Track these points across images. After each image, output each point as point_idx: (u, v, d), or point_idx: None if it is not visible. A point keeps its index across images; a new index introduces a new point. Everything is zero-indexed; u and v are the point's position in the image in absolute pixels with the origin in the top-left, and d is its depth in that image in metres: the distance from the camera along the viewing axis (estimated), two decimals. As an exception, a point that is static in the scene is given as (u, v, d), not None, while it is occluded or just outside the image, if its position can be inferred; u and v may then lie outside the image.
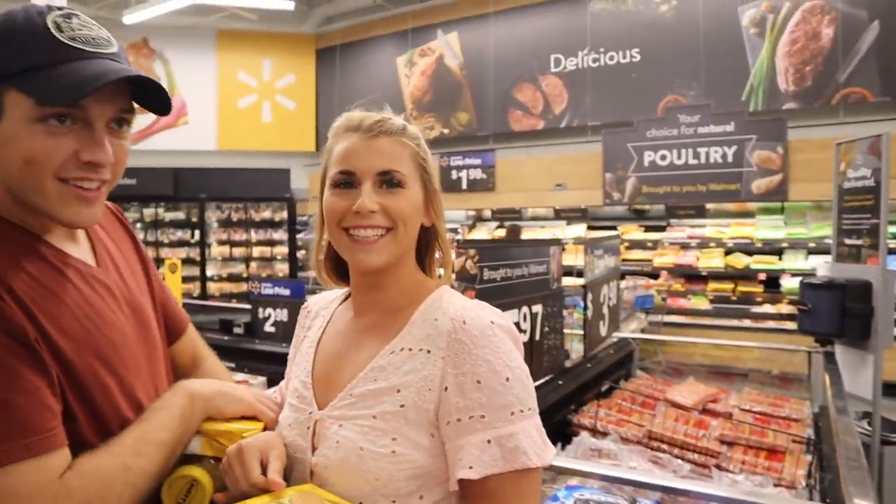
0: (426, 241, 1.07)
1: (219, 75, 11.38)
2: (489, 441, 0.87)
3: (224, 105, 11.39)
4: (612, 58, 8.75)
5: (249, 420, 1.06)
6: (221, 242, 9.93)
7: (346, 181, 0.98)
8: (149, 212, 10.01)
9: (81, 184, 0.88)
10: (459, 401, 0.89)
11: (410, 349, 0.95)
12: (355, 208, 0.95)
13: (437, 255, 1.09)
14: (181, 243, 10.03)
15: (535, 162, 8.98)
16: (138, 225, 10.10)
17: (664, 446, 2.29)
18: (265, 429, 1.05)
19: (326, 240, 1.06)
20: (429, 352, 0.93)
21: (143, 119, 10.90)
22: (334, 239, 1.01)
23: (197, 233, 9.95)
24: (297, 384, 1.07)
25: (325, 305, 1.16)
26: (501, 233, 8.92)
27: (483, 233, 9.29)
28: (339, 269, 1.12)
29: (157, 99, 0.95)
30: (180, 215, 10.08)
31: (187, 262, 9.39)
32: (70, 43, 0.86)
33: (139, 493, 0.89)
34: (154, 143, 10.92)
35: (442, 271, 1.12)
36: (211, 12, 10.64)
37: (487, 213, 9.54)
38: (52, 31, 0.86)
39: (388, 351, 0.97)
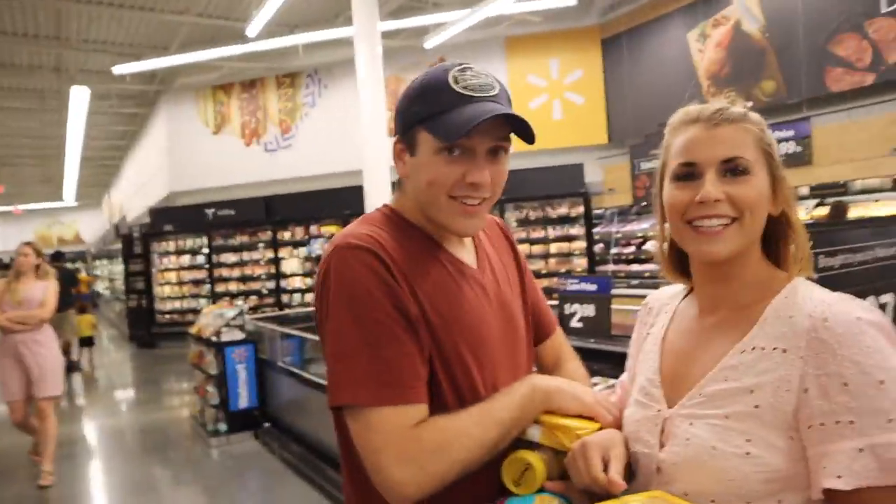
0: (775, 231, 1.00)
1: (509, 81, 11.89)
2: (861, 450, 0.79)
3: (517, 108, 11.66)
4: (966, -15, 7.08)
5: (587, 420, 1.10)
6: (521, 241, 10.36)
7: (688, 173, 0.97)
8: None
9: (466, 200, 1.11)
10: (823, 404, 0.82)
11: (763, 348, 0.90)
12: (699, 198, 0.93)
13: (791, 247, 0.99)
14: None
15: (863, 125, 7.65)
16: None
17: None
18: (601, 430, 1.08)
19: (668, 233, 1.06)
20: (784, 351, 0.88)
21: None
22: (677, 233, 1.00)
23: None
24: (643, 381, 1.08)
25: (667, 302, 1.16)
26: (822, 212, 7.79)
27: (801, 213, 8.20)
28: (681, 264, 1.10)
29: (524, 130, 1.11)
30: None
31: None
32: (462, 91, 1.08)
33: (471, 457, 1.02)
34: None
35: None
36: (498, 22, 11.19)
37: (804, 191, 8.40)
38: (451, 83, 1.09)
39: (738, 350, 0.93)
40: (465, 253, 1.22)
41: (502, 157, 1.13)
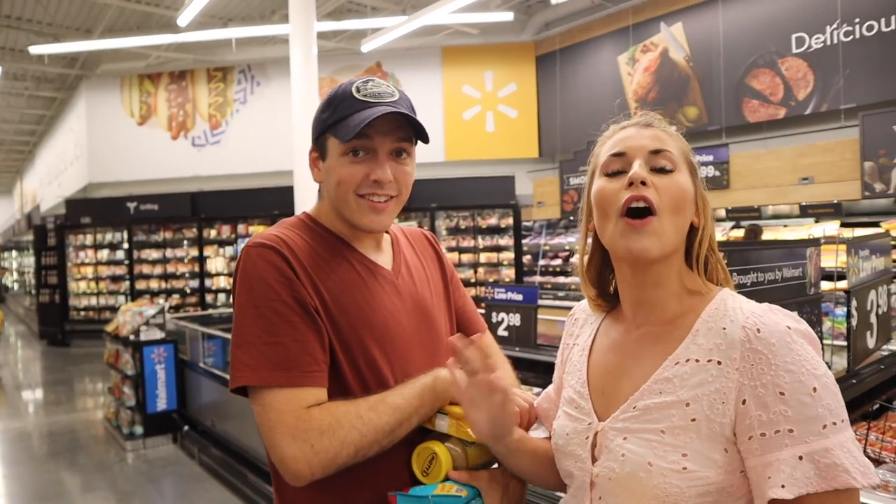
0: (697, 244, 0.99)
1: (444, 90, 12.02)
2: (801, 457, 0.80)
3: (450, 118, 12.01)
4: (870, 28, 7.68)
5: None
6: (450, 249, 10.46)
7: (617, 169, 0.97)
8: (385, 222, 10.90)
9: (372, 198, 1.20)
10: (762, 414, 0.83)
11: (698, 360, 0.90)
12: (628, 178, 0.94)
13: (712, 259, 1.01)
14: (414, 251, 10.71)
15: (776, 154, 8.17)
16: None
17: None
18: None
19: (591, 246, 1.06)
20: (720, 363, 0.87)
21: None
22: (608, 231, 0.97)
23: (428, 240, 10.55)
24: (571, 393, 1.07)
25: (592, 313, 1.14)
26: (738, 233, 8.25)
27: (718, 234, 8.65)
28: (601, 282, 1.10)
29: (420, 131, 1.22)
30: (412, 224, 10.76)
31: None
32: (362, 98, 1.18)
33: (363, 439, 1.08)
34: (388, 158, 11.87)
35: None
36: (435, 31, 11.29)
37: (721, 213, 8.88)
38: (354, 93, 1.19)
39: (672, 362, 0.92)
40: (381, 257, 1.30)
41: (405, 158, 1.23)
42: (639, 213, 0.93)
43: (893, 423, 2.34)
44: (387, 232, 1.38)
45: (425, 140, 1.25)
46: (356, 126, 1.14)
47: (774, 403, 0.82)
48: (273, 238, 1.16)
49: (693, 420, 0.87)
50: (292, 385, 1.08)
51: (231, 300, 1.14)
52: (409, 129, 1.21)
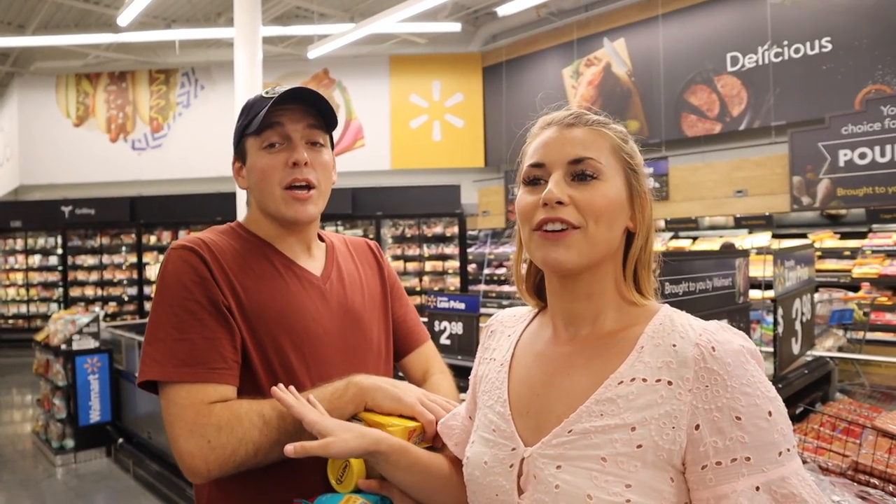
0: (633, 252, 0.91)
1: (392, 99, 12.03)
2: (757, 488, 0.74)
3: (397, 126, 12.02)
4: (797, 50, 8.07)
5: (408, 419, 1.12)
6: (396, 258, 10.46)
7: (537, 176, 0.90)
8: (329, 229, 10.79)
9: (294, 186, 1.22)
10: (717, 441, 0.75)
11: (645, 380, 0.80)
12: (542, 199, 0.86)
13: (645, 271, 0.93)
14: (360, 258, 10.66)
15: (712, 168, 8.48)
16: (322, 242, 10.92)
17: (874, 480, 2.06)
18: (424, 431, 1.11)
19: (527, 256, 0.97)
20: (670, 383, 0.79)
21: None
22: (526, 243, 0.91)
23: (374, 248, 10.54)
24: (490, 415, 0.95)
25: (510, 325, 1.04)
26: (677, 244, 8.52)
27: (657, 244, 8.87)
28: (539, 287, 1.02)
29: (328, 116, 1.27)
30: (358, 232, 10.77)
31: (366, 276, 9.96)
32: (269, 95, 1.23)
33: (263, 438, 1.07)
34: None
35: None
36: (383, 40, 11.30)
37: (661, 224, 9.15)
38: (263, 95, 1.25)
39: (615, 381, 0.82)
40: (311, 262, 1.31)
41: (320, 148, 1.27)
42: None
43: (815, 426, 2.46)
44: (322, 240, 1.40)
45: (333, 123, 1.30)
46: (266, 113, 1.19)
47: (731, 429, 0.75)
48: (195, 240, 1.19)
49: (639, 446, 0.78)
50: (196, 381, 1.08)
51: (153, 300, 1.19)
52: (319, 118, 1.26)
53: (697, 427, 0.76)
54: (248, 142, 1.26)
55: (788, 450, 0.75)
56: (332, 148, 1.35)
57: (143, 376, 1.11)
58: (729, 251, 6.54)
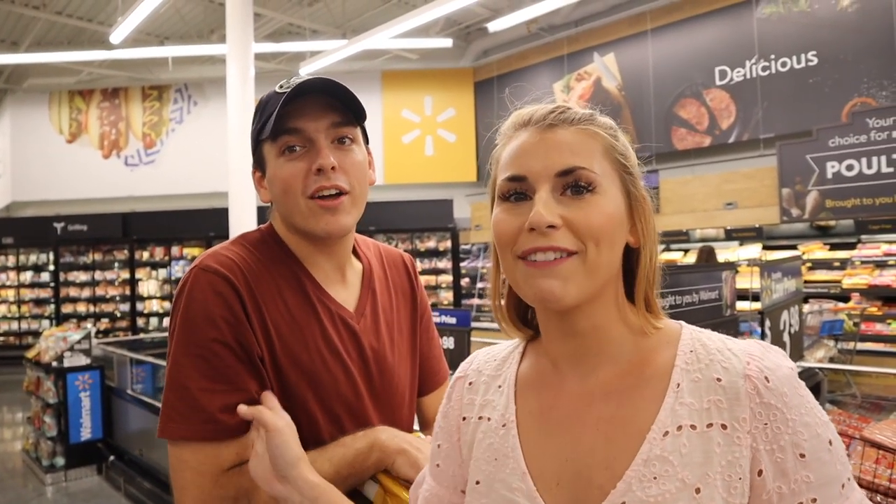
0: (642, 272, 0.76)
1: (384, 114, 12.08)
2: None
3: (389, 141, 12.07)
4: (784, 64, 8.17)
5: None
6: (389, 271, 10.45)
7: (518, 191, 0.73)
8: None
9: (321, 193, 1.05)
10: (782, 486, 0.65)
11: (694, 426, 0.67)
12: (528, 224, 0.69)
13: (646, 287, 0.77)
14: (354, 273, 10.69)
15: (702, 181, 8.55)
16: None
17: (863, 491, 2.07)
18: None
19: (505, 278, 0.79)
20: (724, 427, 0.66)
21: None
22: (508, 271, 0.74)
23: (367, 263, 10.56)
24: (504, 492, 0.75)
25: (493, 372, 0.85)
26: (668, 256, 8.56)
27: (647, 256, 8.96)
28: (523, 312, 0.85)
29: (354, 107, 1.09)
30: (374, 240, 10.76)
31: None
32: (283, 90, 1.06)
33: None
34: (328, 180, 11.82)
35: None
36: (375, 56, 11.38)
37: (652, 236, 9.20)
38: (276, 90, 1.08)
39: (658, 432, 0.67)
40: (345, 293, 1.16)
41: (350, 145, 1.09)
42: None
43: (804, 437, 2.47)
44: (360, 259, 1.24)
45: (362, 115, 1.11)
46: (280, 113, 1.03)
47: (795, 469, 0.65)
48: (226, 262, 1.03)
49: None
50: (218, 439, 0.98)
51: (170, 325, 1.04)
52: (345, 112, 1.08)
53: (760, 472, 0.65)
54: (264, 148, 1.09)
55: (849, 479, 0.66)
56: (367, 141, 1.17)
57: (161, 432, 1.00)
58: (710, 256, 6.59)
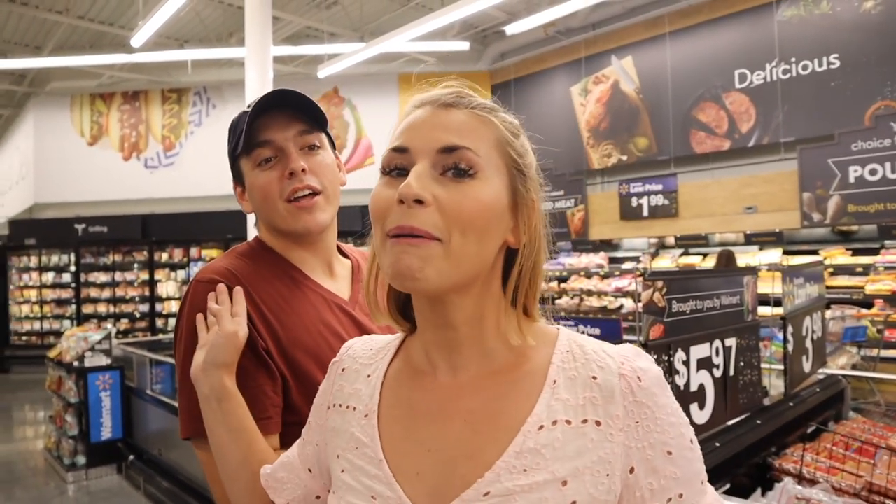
0: (515, 274, 0.74)
1: (401, 116, 12.10)
2: None
3: (406, 144, 12.08)
4: (805, 67, 8.08)
5: None
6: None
7: (399, 165, 0.71)
8: (341, 246, 10.86)
9: (297, 195, 1.15)
10: (652, 482, 0.66)
11: (569, 421, 0.67)
12: (397, 194, 0.67)
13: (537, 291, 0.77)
14: (370, 275, 10.72)
15: (721, 185, 8.48)
16: (332, 259, 11.00)
17: (889, 502, 2.04)
18: None
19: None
20: (598, 423, 0.67)
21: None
22: (378, 251, 0.72)
23: (384, 265, 10.60)
24: (362, 478, 0.74)
25: (368, 361, 0.84)
26: (687, 261, 8.50)
27: (667, 261, 8.92)
28: (405, 305, 0.82)
29: (316, 116, 1.19)
30: (368, 250, 10.80)
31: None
32: (250, 109, 1.15)
33: None
34: (345, 183, 11.84)
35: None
36: (393, 59, 11.41)
37: (671, 241, 9.14)
38: (245, 109, 1.17)
39: (534, 426, 0.68)
40: (336, 285, 1.24)
41: (317, 150, 1.19)
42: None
43: (828, 445, 2.45)
44: (347, 257, 1.33)
45: (324, 122, 1.21)
46: (251, 128, 1.14)
47: (664, 466, 0.67)
48: (224, 272, 1.11)
49: (573, 503, 0.65)
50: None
51: (174, 337, 1.13)
52: (308, 121, 1.18)
53: (632, 470, 0.66)
54: (241, 163, 1.20)
55: (705, 475, 0.70)
56: (334, 147, 1.27)
57: (182, 432, 1.07)
58: (729, 261, 6.52)
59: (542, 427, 0.67)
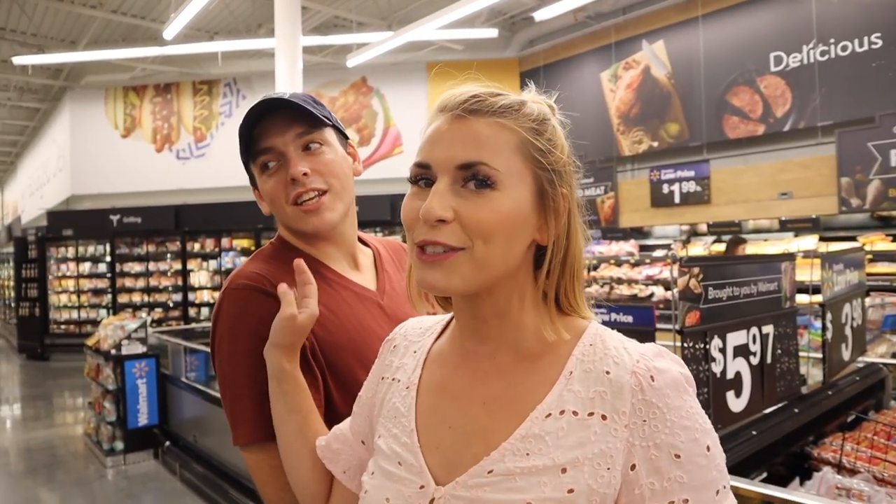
0: (545, 270, 0.77)
1: (429, 105, 12.06)
2: None
3: (434, 133, 12.07)
4: (844, 48, 7.84)
5: None
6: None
7: (423, 177, 0.75)
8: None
9: (303, 199, 1.16)
10: (654, 482, 0.67)
11: (576, 413, 0.70)
12: (420, 214, 0.71)
13: (577, 284, 0.79)
14: (398, 264, 10.76)
15: (755, 170, 8.31)
16: (361, 248, 11.05)
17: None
18: None
19: None
20: (604, 418, 0.69)
21: (363, 151, 11.91)
22: (410, 255, 0.77)
23: (412, 254, 10.63)
24: (393, 444, 0.81)
25: (416, 339, 0.90)
26: (718, 248, 8.35)
27: (699, 248, 8.77)
28: None
29: (316, 112, 1.18)
30: (396, 239, 10.82)
31: (404, 281, 10.05)
32: (247, 113, 1.15)
33: None
34: (373, 172, 11.88)
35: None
36: (421, 47, 11.38)
37: (703, 228, 8.99)
38: (245, 115, 1.16)
39: (541, 413, 0.71)
40: (362, 277, 1.25)
41: (319, 148, 1.18)
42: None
43: (868, 434, 2.39)
44: (368, 245, 1.35)
45: (314, 120, 1.18)
46: (250, 135, 1.16)
47: (669, 468, 0.67)
48: (255, 277, 1.11)
49: (570, 491, 0.67)
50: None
51: (211, 345, 1.14)
52: (307, 121, 1.16)
53: (633, 467, 0.67)
54: (252, 167, 1.22)
55: (725, 487, 0.69)
56: (346, 137, 1.27)
57: (241, 440, 1.08)
58: (736, 245, 6.36)
59: (549, 415, 0.71)
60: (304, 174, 1.14)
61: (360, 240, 1.34)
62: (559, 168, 0.76)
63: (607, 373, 0.71)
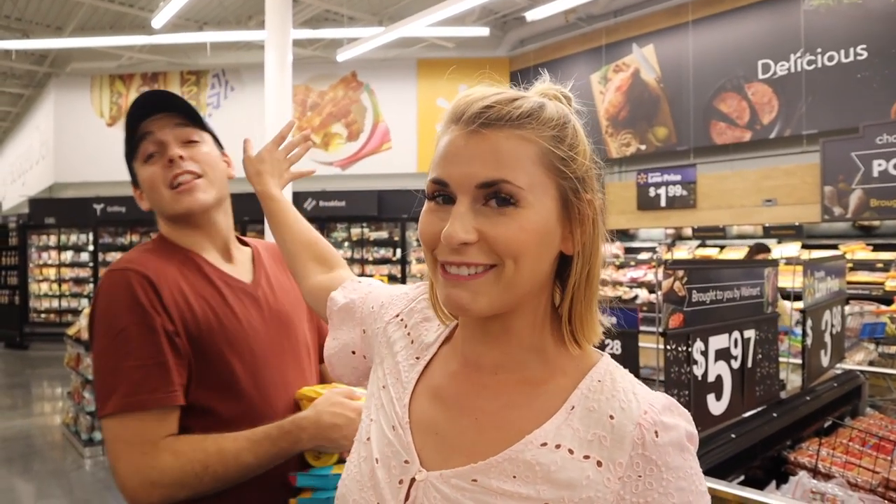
0: (571, 285, 0.74)
1: (419, 102, 12.07)
2: None
3: (424, 130, 12.06)
4: (831, 58, 7.94)
5: None
6: (420, 260, 10.49)
7: (441, 193, 0.70)
8: (355, 231, 10.87)
9: (178, 181, 1.25)
10: None
11: (571, 451, 0.67)
12: (443, 238, 0.67)
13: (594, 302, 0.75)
14: (384, 261, 10.77)
15: (741, 176, 8.37)
16: (345, 244, 11.01)
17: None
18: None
19: None
20: (599, 464, 0.66)
21: (351, 146, 11.88)
22: (430, 272, 0.75)
23: (398, 251, 10.61)
24: (389, 409, 0.80)
25: (440, 328, 0.86)
26: (703, 252, 8.43)
27: (683, 252, 8.85)
28: None
29: (193, 115, 1.31)
30: (383, 234, 10.83)
31: (389, 278, 10.03)
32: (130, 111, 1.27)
33: (204, 488, 1.10)
34: (361, 167, 11.84)
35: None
36: (411, 44, 11.36)
37: (688, 232, 9.06)
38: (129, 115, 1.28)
39: (536, 440, 0.68)
40: (236, 269, 1.34)
41: (198, 145, 1.30)
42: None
43: (844, 440, 2.42)
44: (246, 245, 1.44)
45: (194, 116, 1.31)
46: (134, 129, 1.26)
47: None
48: (131, 261, 1.19)
49: None
50: (135, 410, 1.09)
51: (89, 322, 1.20)
52: (186, 118, 1.30)
53: None
54: (135, 165, 1.30)
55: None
56: (221, 146, 1.39)
57: (100, 412, 1.12)
58: (760, 250, 6.42)
59: (544, 444, 0.67)
60: (181, 157, 1.24)
61: (241, 240, 1.44)
62: (581, 174, 0.72)
63: (611, 417, 0.67)
